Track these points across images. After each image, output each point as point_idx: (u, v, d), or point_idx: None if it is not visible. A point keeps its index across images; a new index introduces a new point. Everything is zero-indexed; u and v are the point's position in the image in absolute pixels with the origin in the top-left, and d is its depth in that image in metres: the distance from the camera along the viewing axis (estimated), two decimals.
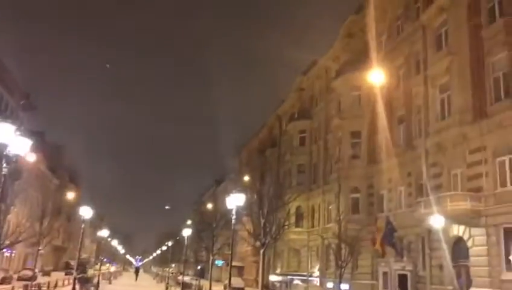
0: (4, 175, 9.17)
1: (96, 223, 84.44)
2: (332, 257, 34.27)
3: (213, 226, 22.01)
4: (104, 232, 46.92)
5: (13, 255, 46.10)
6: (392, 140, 27.60)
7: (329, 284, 32.18)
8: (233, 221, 14.84)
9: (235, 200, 14.31)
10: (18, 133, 9.38)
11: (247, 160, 61.16)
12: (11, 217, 35.26)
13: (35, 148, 50.14)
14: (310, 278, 35.45)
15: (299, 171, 40.80)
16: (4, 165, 9.09)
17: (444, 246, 21.44)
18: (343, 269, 24.49)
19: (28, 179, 49.58)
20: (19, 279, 36.35)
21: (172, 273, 53.65)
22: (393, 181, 27.37)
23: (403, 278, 24.79)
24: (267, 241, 12.23)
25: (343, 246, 31.10)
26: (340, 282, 24.40)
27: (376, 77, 22.28)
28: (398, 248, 24.89)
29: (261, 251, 12.34)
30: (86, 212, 22.76)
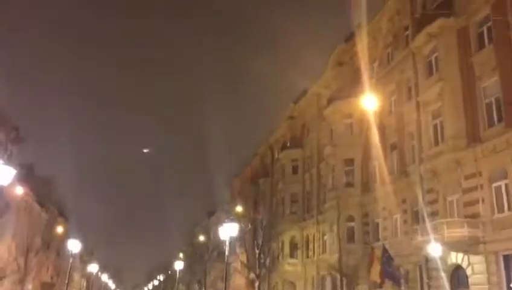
0: None
1: (85, 257, 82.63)
2: (328, 289, 33.51)
3: (205, 258, 21.19)
4: (93, 267, 45.47)
5: None
6: (386, 167, 27.36)
7: None
8: (226, 253, 14.20)
9: (228, 230, 13.70)
10: (1, 162, 8.93)
11: (239, 190, 60.54)
12: None
13: (23, 181, 49.29)
14: None
15: (292, 201, 40.31)
16: None
17: (443, 274, 20.91)
18: None
19: (16, 213, 48.46)
20: None
21: None
22: (388, 209, 26.96)
23: None
24: (262, 272, 11.58)
25: (339, 277, 30.38)
26: None
27: (368, 103, 22.20)
28: (395, 277, 24.25)
29: (256, 284, 11.71)
30: (74, 246, 21.98)
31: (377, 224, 28.12)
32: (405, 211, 25.40)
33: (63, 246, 69.80)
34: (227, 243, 14.34)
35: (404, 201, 25.53)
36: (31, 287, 62.72)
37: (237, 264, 48.28)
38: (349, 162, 31.46)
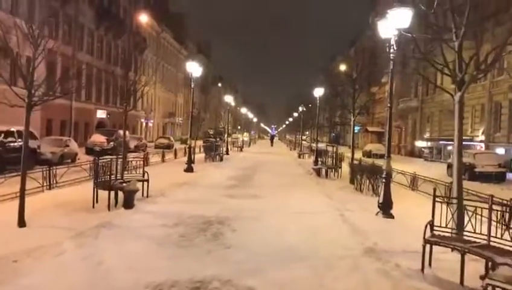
0: None
1: (230, 93, 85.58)
2: (504, 118, 27.55)
3: (353, 77, 16.77)
4: (228, 98, 44.66)
5: (150, 124, 47.23)
6: None
7: (499, 150, 25.84)
8: (391, 56, 9.37)
9: (396, 20, 8.70)
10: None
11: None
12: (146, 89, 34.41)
13: (158, 18, 48.14)
14: (471, 143, 29.35)
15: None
16: None
17: None
18: None
19: (155, 49, 48.61)
20: (156, 147, 36.46)
21: (303, 140, 51.08)
22: None
23: None
24: (465, 79, 6.93)
25: None
26: None
27: None
28: None
29: (458, 96, 7.16)
30: (193, 68, 19.05)
31: None
32: None
33: (206, 84, 71.86)
34: (392, 41, 9.54)
35: None
36: (182, 121, 67.30)
37: (382, 95, 43.62)
38: None
